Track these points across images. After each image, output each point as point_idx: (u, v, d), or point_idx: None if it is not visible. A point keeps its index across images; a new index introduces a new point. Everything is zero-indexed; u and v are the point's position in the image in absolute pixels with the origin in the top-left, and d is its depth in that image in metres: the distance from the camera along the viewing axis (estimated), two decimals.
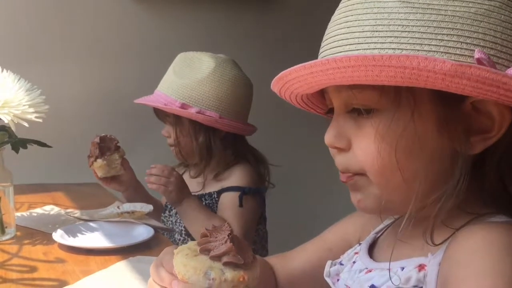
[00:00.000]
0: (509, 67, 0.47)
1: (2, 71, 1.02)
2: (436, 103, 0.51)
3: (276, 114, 1.85)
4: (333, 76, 0.50)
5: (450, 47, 0.47)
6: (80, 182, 1.58)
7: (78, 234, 1.04)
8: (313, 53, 0.58)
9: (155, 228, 1.07)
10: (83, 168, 1.35)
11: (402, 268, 0.54)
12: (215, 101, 1.28)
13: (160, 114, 1.36)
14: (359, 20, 0.51)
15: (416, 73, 0.45)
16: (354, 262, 0.63)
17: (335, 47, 0.52)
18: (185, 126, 1.31)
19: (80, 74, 1.82)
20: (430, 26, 0.48)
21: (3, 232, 1.03)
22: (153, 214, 1.24)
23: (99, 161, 1.23)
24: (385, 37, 0.49)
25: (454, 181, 0.50)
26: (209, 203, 1.31)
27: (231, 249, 0.50)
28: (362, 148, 0.54)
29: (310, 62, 0.50)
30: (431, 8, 0.48)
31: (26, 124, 0.96)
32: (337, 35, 0.53)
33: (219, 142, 1.31)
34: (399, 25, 0.49)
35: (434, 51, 0.47)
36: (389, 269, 0.54)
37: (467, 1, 0.48)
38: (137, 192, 1.37)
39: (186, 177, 1.37)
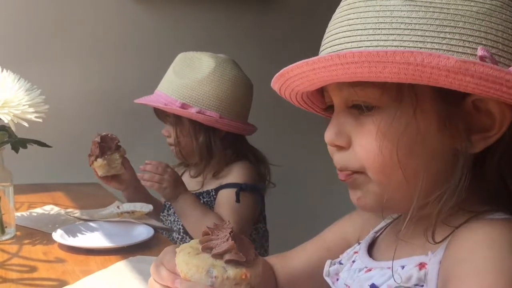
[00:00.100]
0: (510, 66, 0.47)
1: (2, 71, 1.02)
2: (438, 101, 0.51)
3: (276, 114, 1.85)
4: (336, 72, 0.50)
5: (452, 45, 0.47)
6: (80, 182, 1.58)
7: (78, 234, 1.04)
8: (313, 53, 0.58)
9: (155, 228, 1.06)
10: (83, 168, 1.35)
11: (403, 267, 0.54)
12: (215, 101, 1.28)
13: (160, 114, 1.36)
14: (361, 18, 0.51)
15: (420, 70, 0.45)
16: (353, 261, 0.63)
17: (336, 45, 0.52)
18: (185, 126, 1.31)
19: (80, 74, 1.82)
20: (432, 24, 0.48)
21: (3, 232, 1.03)
22: (153, 214, 1.24)
23: (100, 160, 1.23)
24: (387, 34, 0.49)
25: (456, 179, 0.50)
26: (207, 200, 1.31)
27: (233, 247, 0.50)
28: (363, 145, 0.54)
29: (312, 58, 0.50)
30: (434, 7, 0.48)
31: (26, 124, 0.96)
32: (339, 32, 0.53)
33: (219, 142, 1.31)
34: (401, 22, 0.49)
35: (437, 48, 0.47)
36: (392, 268, 0.54)
37: (469, 0, 0.49)
38: (138, 191, 1.37)
39: (186, 176, 1.37)
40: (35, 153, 1.16)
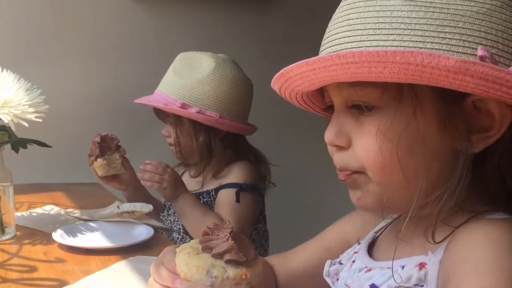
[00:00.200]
0: (510, 66, 0.47)
1: (2, 70, 1.02)
2: (438, 101, 0.51)
3: (276, 114, 1.85)
4: (336, 72, 0.50)
5: (452, 45, 0.47)
6: (80, 182, 1.58)
7: (78, 234, 1.04)
8: (313, 53, 0.58)
9: (155, 228, 1.06)
10: (83, 168, 1.35)
11: (403, 267, 0.54)
12: (215, 101, 1.28)
13: (161, 114, 1.36)
14: (361, 18, 0.51)
15: (420, 70, 0.45)
16: (353, 262, 0.63)
17: (336, 45, 0.52)
18: (185, 126, 1.31)
19: (80, 74, 1.82)
20: (432, 24, 0.48)
21: (3, 232, 1.03)
22: (153, 214, 1.24)
23: (99, 160, 1.23)
24: (387, 34, 0.49)
25: (456, 179, 0.50)
26: (207, 200, 1.31)
27: (232, 247, 0.50)
28: (363, 145, 0.54)
29: (312, 58, 0.50)
30: (434, 7, 0.48)
31: (26, 124, 0.96)
32: (339, 32, 0.53)
33: (219, 142, 1.32)
34: (401, 22, 0.49)
35: (437, 48, 0.47)
36: (392, 269, 0.54)
37: (469, 0, 0.49)
38: (138, 191, 1.37)
39: (186, 176, 1.37)
40: (35, 153, 1.16)
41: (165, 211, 1.39)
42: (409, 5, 0.49)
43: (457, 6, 0.48)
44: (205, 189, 1.33)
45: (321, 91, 0.60)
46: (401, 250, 0.55)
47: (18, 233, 1.06)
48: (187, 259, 0.51)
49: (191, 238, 1.27)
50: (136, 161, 1.32)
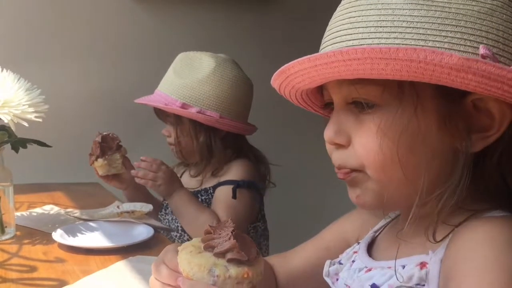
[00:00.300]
0: (510, 65, 0.47)
1: (2, 70, 1.02)
2: (439, 99, 0.51)
3: (276, 114, 1.85)
4: (338, 69, 0.49)
5: (454, 43, 0.47)
6: (80, 182, 1.58)
7: (78, 234, 1.04)
8: (313, 53, 0.58)
9: (155, 228, 1.06)
10: (83, 168, 1.35)
11: (403, 266, 0.54)
12: (216, 100, 1.28)
13: (161, 114, 1.36)
14: (363, 15, 0.51)
15: (422, 67, 0.45)
16: (353, 261, 0.63)
17: (337, 42, 0.52)
18: (185, 125, 1.31)
19: (80, 73, 1.82)
20: (434, 23, 0.48)
21: (3, 232, 1.03)
22: (153, 214, 1.23)
23: (100, 160, 1.23)
24: (389, 32, 0.49)
25: (456, 178, 0.51)
26: (205, 198, 1.31)
27: (234, 245, 0.50)
28: (363, 143, 0.54)
29: (314, 54, 0.50)
30: (435, 5, 0.49)
31: (26, 124, 0.95)
32: (340, 30, 0.52)
33: (219, 141, 1.32)
34: (403, 21, 0.49)
35: (439, 46, 0.47)
36: (395, 268, 0.54)
37: None
38: (138, 191, 1.37)
39: (186, 176, 1.37)
40: (35, 153, 1.16)
41: (163, 210, 1.39)
42: (411, 3, 0.49)
43: (458, 5, 0.48)
44: (203, 187, 1.33)
45: (320, 90, 0.60)
46: (401, 250, 0.55)
47: (18, 233, 1.06)
48: (189, 258, 0.51)
49: (190, 236, 1.27)
50: (136, 160, 1.32)
